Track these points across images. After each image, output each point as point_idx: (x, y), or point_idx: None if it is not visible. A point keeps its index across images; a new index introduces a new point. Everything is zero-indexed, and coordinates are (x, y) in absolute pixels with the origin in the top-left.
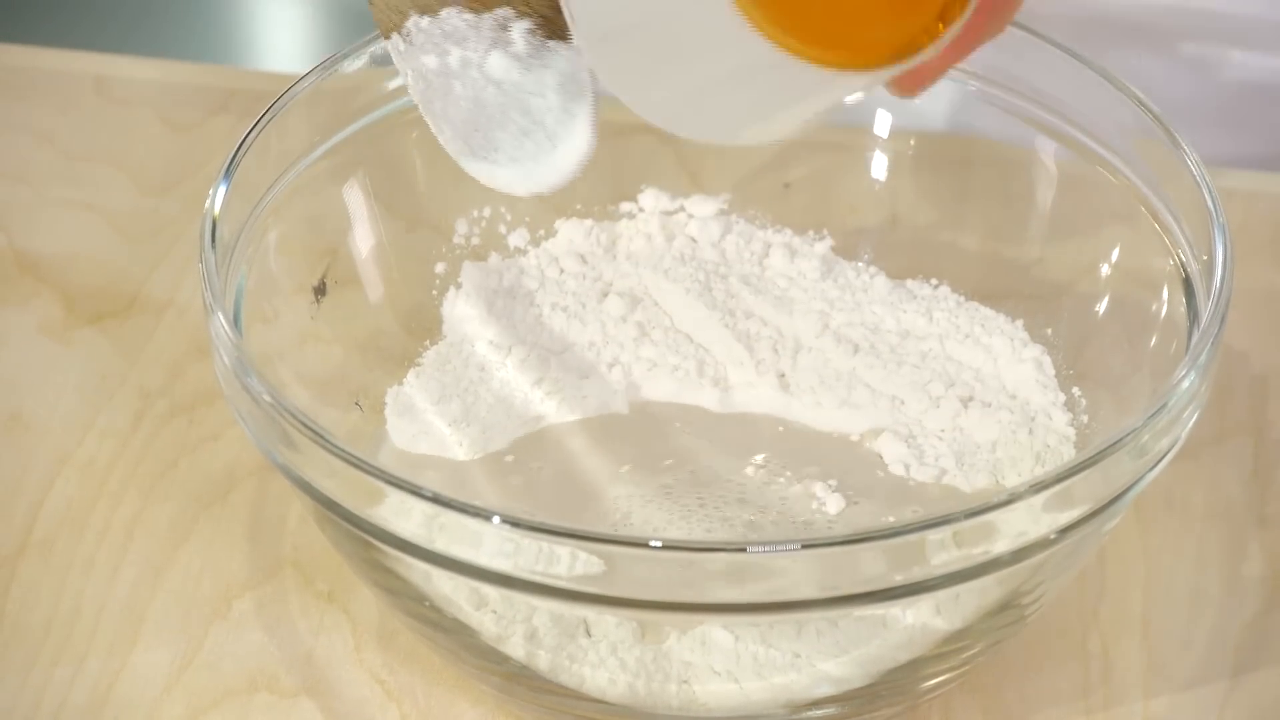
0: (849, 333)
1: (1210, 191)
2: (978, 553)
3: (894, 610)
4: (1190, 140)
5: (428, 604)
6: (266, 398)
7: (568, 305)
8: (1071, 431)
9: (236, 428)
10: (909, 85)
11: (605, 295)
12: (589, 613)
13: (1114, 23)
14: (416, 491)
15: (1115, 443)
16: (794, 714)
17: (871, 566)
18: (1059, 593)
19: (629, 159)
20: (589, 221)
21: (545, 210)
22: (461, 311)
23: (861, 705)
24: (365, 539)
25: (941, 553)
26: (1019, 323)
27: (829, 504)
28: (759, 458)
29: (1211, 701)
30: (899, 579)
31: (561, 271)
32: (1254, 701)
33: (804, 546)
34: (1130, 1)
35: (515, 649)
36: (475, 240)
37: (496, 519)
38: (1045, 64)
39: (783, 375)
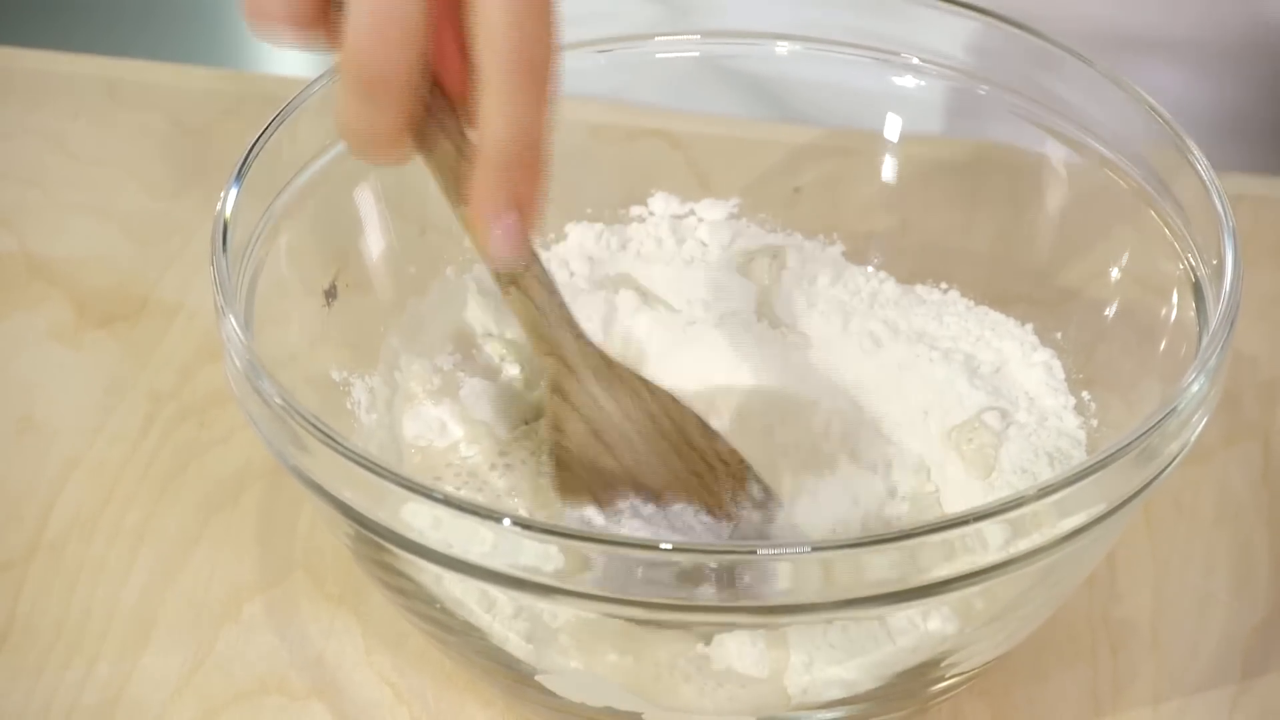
0: (861, 337)
1: (1220, 196)
2: (987, 556)
3: (903, 614)
4: (1199, 145)
5: (438, 606)
6: (278, 400)
7: (578, 307)
8: (1081, 435)
9: (247, 430)
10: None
11: (617, 293)
12: (599, 615)
13: (1117, 32)
14: (427, 493)
15: (1125, 446)
16: (804, 715)
17: (880, 570)
18: (1068, 596)
19: (639, 163)
20: (599, 225)
21: (555, 214)
22: (472, 315)
23: (871, 708)
24: (376, 541)
25: (951, 556)
26: (1029, 327)
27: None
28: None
29: (1220, 705)
30: (908, 582)
31: (571, 274)
32: (1263, 705)
33: (813, 549)
34: (1134, 11)
35: (524, 651)
36: None
37: (507, 521)
38: (1055, 68)
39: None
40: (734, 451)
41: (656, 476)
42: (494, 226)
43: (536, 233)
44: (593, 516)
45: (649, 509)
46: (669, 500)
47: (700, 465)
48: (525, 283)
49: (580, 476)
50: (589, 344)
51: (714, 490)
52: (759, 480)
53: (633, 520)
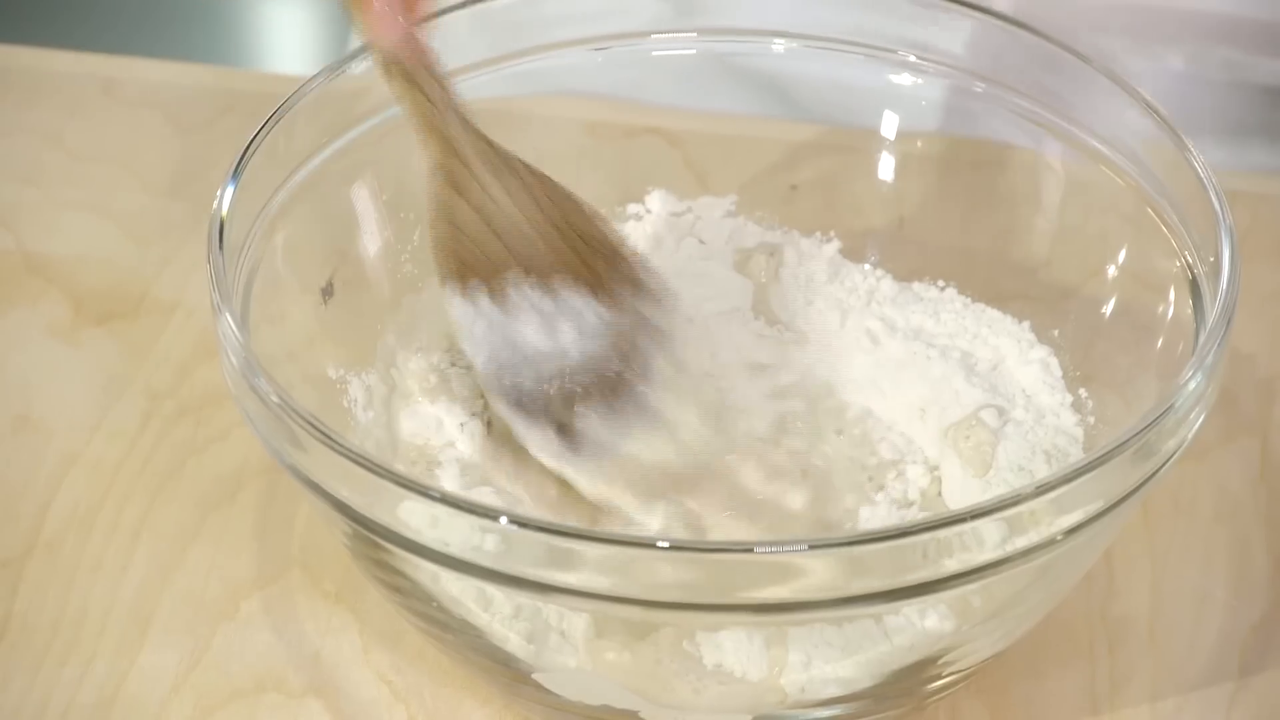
0: (858, 334)
1: (1217, 194)
2: (985, 554)
3: (900, 611)
4: (1197, 143)
5: (435, 604)
6: (274, 398)
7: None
8: (1079, 432)
9: (244, 428)
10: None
11: None
12: (596, 613)
13: (1119, 28)
14: (424, 492)
15: (1122, 444)
16: (801, 713)
17: (878, 568)
18: (1066, 594)
19: (636, 161)
20: None
21: None
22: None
23: (869, 706)
24: (373, 539)
25: (948, 554)
26: (1026, 324)
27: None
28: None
29: (1218, 703)
30: (905, 580)
31: None
32: (1260, 703)
33: (811, 547)
34: (1136, 7)
35: (522, 649)
36: None
37: (504, 519)
38: (1052, 66)
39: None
40: (624, 241)
41: (544, 262)
42: (376, 8)
43: (422, 21)
44: (483, 303)
45: (538, 295)
46: (557, 286)
47: (588, 252)
48: (412, 71)
49: (468, 264)
50: (478, 132)
51: (602, 277)
52: (649, 270)
53: (524, 309)
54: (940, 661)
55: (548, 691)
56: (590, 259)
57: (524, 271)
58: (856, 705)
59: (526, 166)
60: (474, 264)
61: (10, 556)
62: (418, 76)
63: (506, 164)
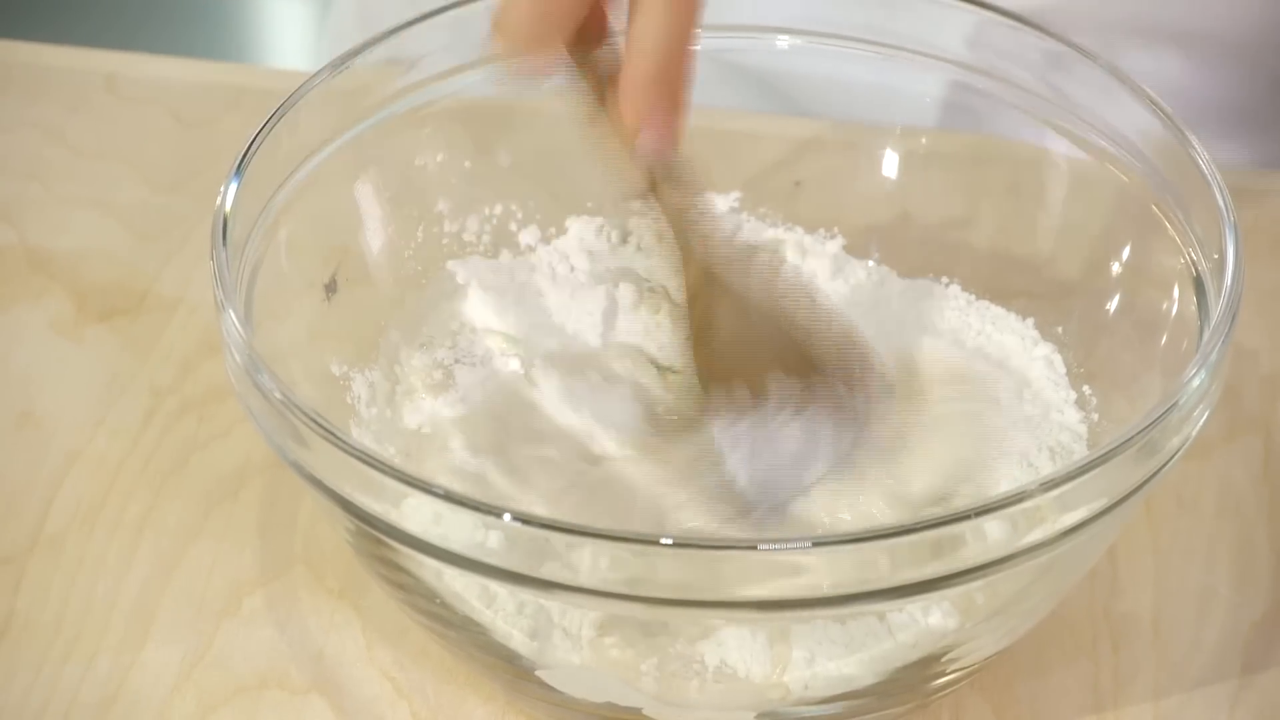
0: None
1: (1221, 190)
2: (989, 551)
3: (904, 609)
4: (1201, 139)
5: (438, 601)
6: (277, 395)
7: (578, 302)
8: (1083, 429)
9: (247, 425)
10: None
11: (617, 286)
12: (600, 610)
13: (1122, 21)
14: (427, 489)
15: (1126, 441)
16: (804, 711)
17: (881, 565)
18: (1069, 591)
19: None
20: (599, 219)
21: (556, 208)
22: (472, 309)
23: (872, 703)
24: (376, 536)
25: (952, 551)
26: (1030, 321)
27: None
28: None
29: (1221, 701)
30: (909, 577)
31: (572, 269)
32: (1264, 701)
33: (814, 544)
34: (1150, 3)
35: (525, 646)
36: (486, 238)
37: (507, 516)
38: (1056, 62)
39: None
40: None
41: (797, 365)
42: (647, 124)
43: (681, 138)
44: (744, 400)
45: (792, 398)
46: (807, 387)
47: (831, 354)
48: (672, 185)
49: (731, 369)
50: (730, 240)
51: (842, 378)
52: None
53: (785, 418)
54: (944, 659)
55: (551, 689)
56: (832, 362)
57: (783, 370)
58: (860, 703)
59: (778, 273)
60: (737, 367)
61: (13, 553)
62: (681, 186)
63: (761, 272)
